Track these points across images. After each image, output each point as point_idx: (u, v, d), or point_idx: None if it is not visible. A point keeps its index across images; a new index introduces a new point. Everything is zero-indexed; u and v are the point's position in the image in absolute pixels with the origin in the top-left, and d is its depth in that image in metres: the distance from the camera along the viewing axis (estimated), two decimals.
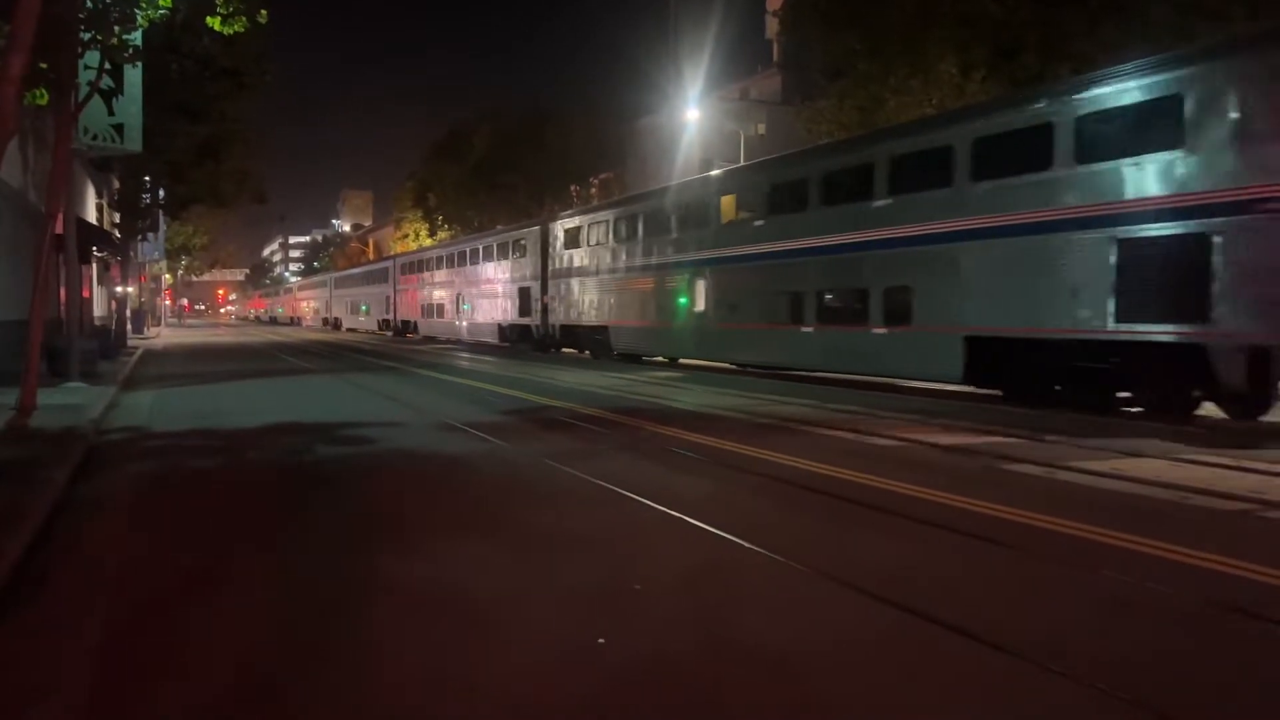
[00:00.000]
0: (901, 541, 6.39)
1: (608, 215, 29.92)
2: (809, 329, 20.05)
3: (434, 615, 4.81)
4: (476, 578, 5.48)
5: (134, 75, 18.54)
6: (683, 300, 24.56)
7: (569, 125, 53.60)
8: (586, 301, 30.53)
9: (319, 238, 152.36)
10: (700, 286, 23.82)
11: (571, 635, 4.51)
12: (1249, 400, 12.58)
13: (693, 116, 39.97)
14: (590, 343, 30.74)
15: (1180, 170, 12.61)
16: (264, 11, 14.79)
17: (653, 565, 5.80)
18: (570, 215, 33.60)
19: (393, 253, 67.92)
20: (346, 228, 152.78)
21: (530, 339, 35.20)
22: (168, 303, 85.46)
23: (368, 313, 63.19)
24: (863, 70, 24.91)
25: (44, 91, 13.73)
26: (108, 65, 15.38)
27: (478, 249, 41.72)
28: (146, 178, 32.08)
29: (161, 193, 34.39)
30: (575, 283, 31.34)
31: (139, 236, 38.12)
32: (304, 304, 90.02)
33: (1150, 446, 10.45)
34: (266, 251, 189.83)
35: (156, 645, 4.40)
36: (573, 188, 59.41)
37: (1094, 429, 12.11)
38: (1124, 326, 13.31)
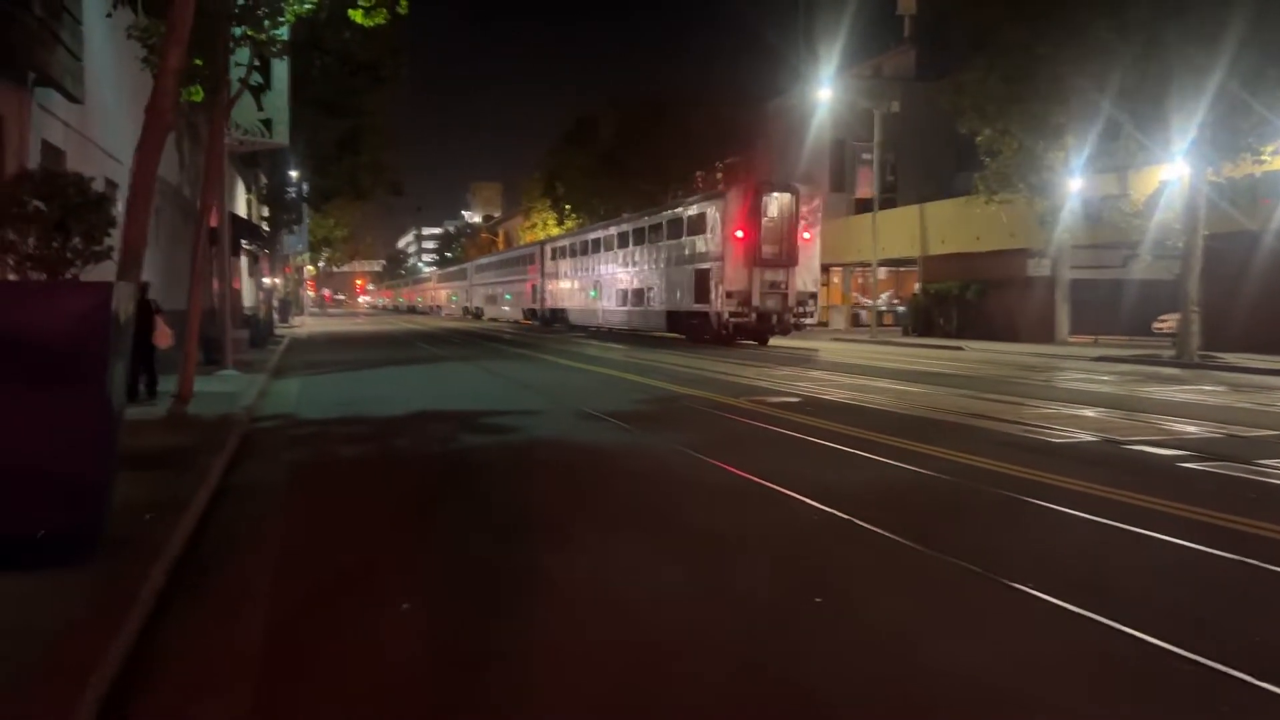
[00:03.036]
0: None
1: (565, 242, 49.42)
2: (629, 309, 38.55)
3: (597, 622, 4.50)
4: (638, 580, 5.14)
5: (280, 70, 19.07)
6: (593, 294, 43.16)
7: (694, 109, 52.91)
8: (559, 295, 49.00)
9: (450, 229, 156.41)
10: (600, 287, 42.22)
11: (755, 657, 4.12)
12: (758, 335, 31.04)
13: (825, 96, 38.82)
14: (560, 321, 48.21)
15: (708, 243, 31.14)
16: (404, 2, 14.90)
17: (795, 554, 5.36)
18: (552, 240, 54.29)
19: (524, 242, 71.94)
20: (476, 219, 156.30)
21: (536, 318, 53.27)
22: (310, 293, 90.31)
23: (455, 301, 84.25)
24: (1008, 39, 23.45)
25: (199, 89, 14.16)
26: (256, 61, 15.81)
27: (512, 258, 62.97)
28: (292, 172, 33.26)
29: (305, 186, 35.65)
30: (554, 283, 49.98)
31: (285, 229, 39.67)
32: (416, 295, 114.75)
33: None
34: (401, 243, 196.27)
35: (322, 641, 4.23)
36: (698, 173, 58.77)
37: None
38: (696, 305, 31.67)
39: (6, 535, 4.96)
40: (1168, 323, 32.14)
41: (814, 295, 31.15)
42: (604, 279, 41.43)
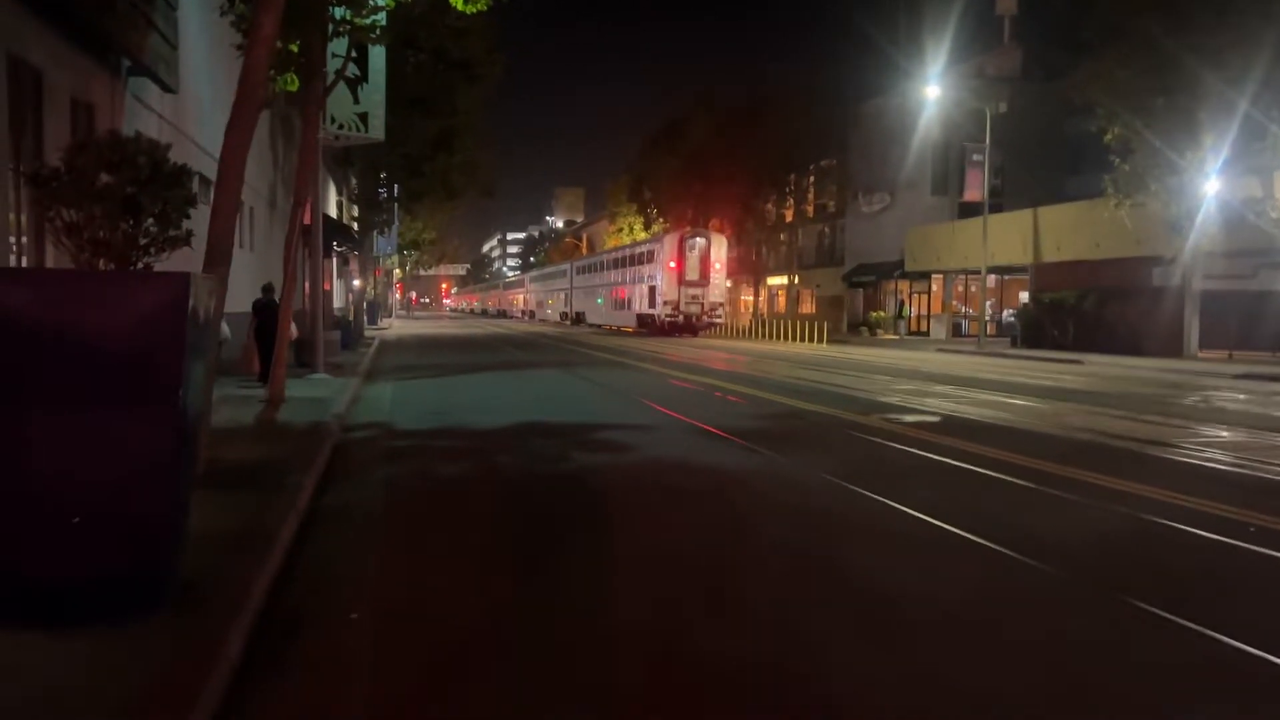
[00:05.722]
0: None
1: (585, 262, 68.82)
2: (617, 311, 55.52)
3: None
4: (831, 669, 3.97)
5: (378, 61, 18.37)
6: (599, 301, 60.03)
7: (787, 110, 51.08)
8: (580, 302, 66.83)
9: (534, 234, 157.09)
10: (604, 295, 58.89)
11: None
12: (693, 328, 46.69)
13: (932, 94, 37.01)
14: (581, 321, 65.40)
15: (654, 268, 48.62)
16: None
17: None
18: (575, 261, 75.53)
19: (607, 247, 72.47)
20: (559, 224, 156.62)
21: (567, 319, 70.81)
22: (398, 295, 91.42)
23: (515, 306, 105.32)
24: (1149, 28, 21.58)
25: (294, 77, 13.47)
26: (354, 54, 15.10)
27: (552, 273, 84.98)
28: (383, 173, 32.88)
29: (396, 187, 35.28)
30: (577, 293, 68.32)
31: (375, 231, 39.49)
32: (490, 300, 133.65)
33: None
34: (486, 247, 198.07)
35: None
36: (790, 176, 57.09)
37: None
38: (648, 310, 48.39)
39: (54, 581, 4.04)
40: None
41: (722, 304, 47.23)
42: (604, 291, 59.18)
